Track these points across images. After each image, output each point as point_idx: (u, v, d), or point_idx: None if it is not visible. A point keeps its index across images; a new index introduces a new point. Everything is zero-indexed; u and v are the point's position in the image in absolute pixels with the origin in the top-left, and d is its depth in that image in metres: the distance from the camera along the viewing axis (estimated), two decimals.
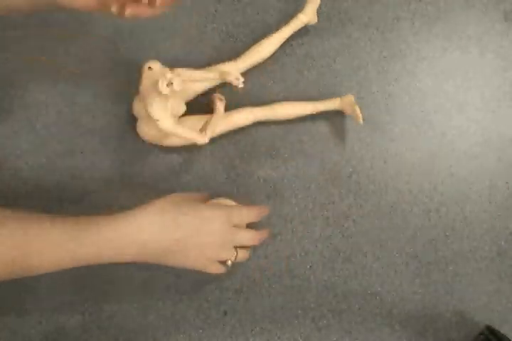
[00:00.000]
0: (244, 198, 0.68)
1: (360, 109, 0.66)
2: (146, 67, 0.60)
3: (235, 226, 0.59)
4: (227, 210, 0.58)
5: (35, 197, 0.68)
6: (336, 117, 0.70)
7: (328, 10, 0.72)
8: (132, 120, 0.68)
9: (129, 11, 0.51)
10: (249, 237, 0.60)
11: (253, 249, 0.68)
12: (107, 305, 0.67)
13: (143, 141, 0.68)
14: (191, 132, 0.63)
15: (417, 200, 0.69)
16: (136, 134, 0.67)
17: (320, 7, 0.72)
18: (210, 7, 0.72)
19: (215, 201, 0.64)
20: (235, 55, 0.70)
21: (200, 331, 0.66)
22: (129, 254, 0.54)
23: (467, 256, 0.69)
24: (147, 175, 0.69)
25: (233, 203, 0.65)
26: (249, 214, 0.60)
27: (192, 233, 0.55)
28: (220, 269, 0.60)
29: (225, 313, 0.67)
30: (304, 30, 0.72)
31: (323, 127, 0.70)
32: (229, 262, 0.60)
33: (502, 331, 0.66)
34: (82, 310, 0.66)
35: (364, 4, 0.73)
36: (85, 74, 0.71)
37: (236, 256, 0.60)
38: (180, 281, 0.67)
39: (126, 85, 0.70)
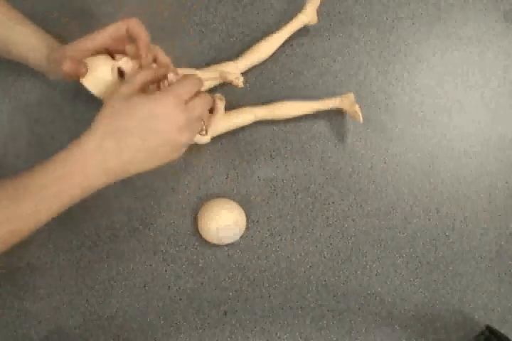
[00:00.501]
0: (245, 198, 0.69)
1: (360, 108, 0.66)
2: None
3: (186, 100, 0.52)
4: (171, 94, 0.51)
5: None
6: (336, 117, 0.70)
7: (328, 10, 0.72)
8: None
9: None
10: (204, 102, 0.54)
11: (253, 249, 0.68)
12: (107, 305, 0.67)
13: None
14: None
15: (417, 200, 0.69)
16: None
17: (320, 7, 0.72)
18: (210, 7, 0.72)
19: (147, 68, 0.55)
20: (235, 54, 0.71)
21: (200, 331, 0.66)
22: (98, 182, 0.51)
23: (467, 256, 0.69)
24: (147, 175, 0.69)
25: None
26: (190, 84, 0.53)
27: (148, 136, 0.50)
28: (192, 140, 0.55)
29: (225, 313, 0.67)
30: (304, 30, 0.72)
31: (323, 127, 0.70)
32: (203, 132, 0.58)
33: (502, 331, 0.66)
34: (83, 310, 0.67)
35: (364, 4, 0.73)
36: None
37: (205, 123, 0.57)
38: (181, 281, 0.67)
39: None
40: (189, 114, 0.52)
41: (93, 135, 0.50)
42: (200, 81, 0.55)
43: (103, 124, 0.50)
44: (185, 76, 0.55)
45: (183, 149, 0.54)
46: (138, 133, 0.50)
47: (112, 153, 0.50)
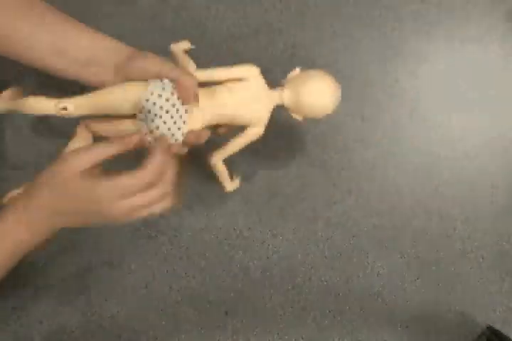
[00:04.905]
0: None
1: (361, 109, 0.66)
2: None
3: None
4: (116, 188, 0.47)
5: None
6: (336, 118, 0.70)
7: (330, 10, 0.72)
8: None
9: None
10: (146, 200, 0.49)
11: (255, 249, 0.68)
12: (109, 305, 0.67)
13: None
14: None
15: (418, 200, 0.69)
16: None
17: (321, 7, 0.72)
18: (211, 7, 0.72)
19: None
20: (234, 55, 0.71)
21: (202, 331, 0.66)
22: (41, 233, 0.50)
23: (469, 257, 0.68)
24: None
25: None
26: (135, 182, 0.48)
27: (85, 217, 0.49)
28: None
29: (226, 313, 0.67)
30: (304, 30, 0.72)
31: (323, 127, 0.70)
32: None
33: (503, 331, 0.66)
34: (84, 310, 0.66)
35: (365, 4, 0.73)
36: None
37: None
38: (182, 281, 0.67)
39: None
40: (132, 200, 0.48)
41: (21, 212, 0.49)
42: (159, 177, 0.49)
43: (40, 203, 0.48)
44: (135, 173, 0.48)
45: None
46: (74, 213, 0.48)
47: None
